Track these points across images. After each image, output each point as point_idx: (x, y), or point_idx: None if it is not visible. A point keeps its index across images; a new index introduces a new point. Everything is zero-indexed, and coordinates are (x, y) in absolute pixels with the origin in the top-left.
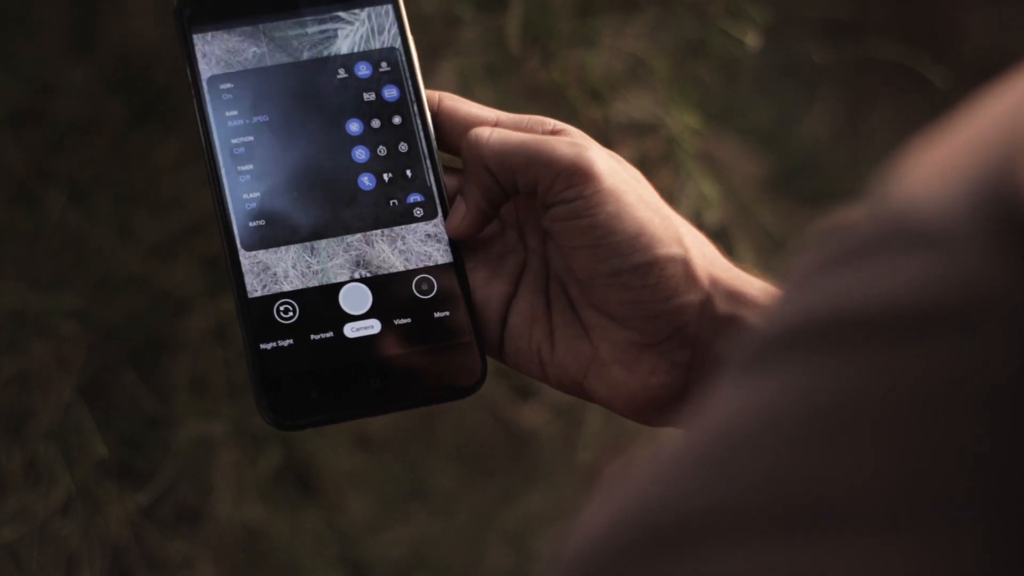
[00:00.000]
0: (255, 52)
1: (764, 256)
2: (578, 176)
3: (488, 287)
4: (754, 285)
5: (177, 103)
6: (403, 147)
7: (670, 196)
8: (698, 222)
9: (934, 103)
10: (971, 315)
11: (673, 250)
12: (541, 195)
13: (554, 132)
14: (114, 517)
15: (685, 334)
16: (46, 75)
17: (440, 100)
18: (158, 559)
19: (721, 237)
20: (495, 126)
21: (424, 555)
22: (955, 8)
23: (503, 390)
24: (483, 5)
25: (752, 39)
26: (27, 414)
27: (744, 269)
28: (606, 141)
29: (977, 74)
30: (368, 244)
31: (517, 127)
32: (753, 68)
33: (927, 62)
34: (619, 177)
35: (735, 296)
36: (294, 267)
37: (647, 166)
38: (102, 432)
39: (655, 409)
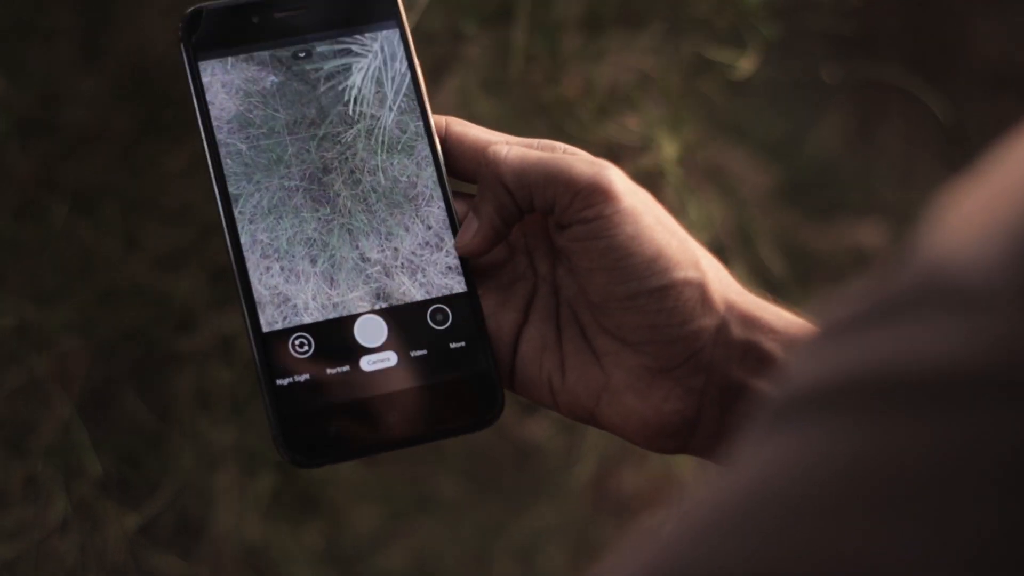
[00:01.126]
0: (270, 82)
1: (763, 272)
2: (597, 195)
3: (499, 316)
4: (769, 310)
5: (186, 113)
6: (416, 175)
7: (672, 213)
8: (698, 239)
9: (944, 116)
10: (1003, 382)
11: (691, 274)
12: (558, 214)
13: (566, 152)
14: (112, 534)
15: (700, 359)
16: (55, 84)
17: (448, 125)
18: None
19: (719, 254)
20: None
21: (429, 568)
22: (965, 18)
23: (508, 404)
24: (488, 21)
25: (748, 63)
26: (27, 429)
27: (759, 295)
28: (610, 158)
29: (987, 84)
30: (388, 275)
31: (528, 147)
32: (764, 82)
33: (935, 77)
34: (637, 198)
35: (750, 321)
36: (314, 299)
37: (646, 183)
38: (102, 448)
39: (668, 436)
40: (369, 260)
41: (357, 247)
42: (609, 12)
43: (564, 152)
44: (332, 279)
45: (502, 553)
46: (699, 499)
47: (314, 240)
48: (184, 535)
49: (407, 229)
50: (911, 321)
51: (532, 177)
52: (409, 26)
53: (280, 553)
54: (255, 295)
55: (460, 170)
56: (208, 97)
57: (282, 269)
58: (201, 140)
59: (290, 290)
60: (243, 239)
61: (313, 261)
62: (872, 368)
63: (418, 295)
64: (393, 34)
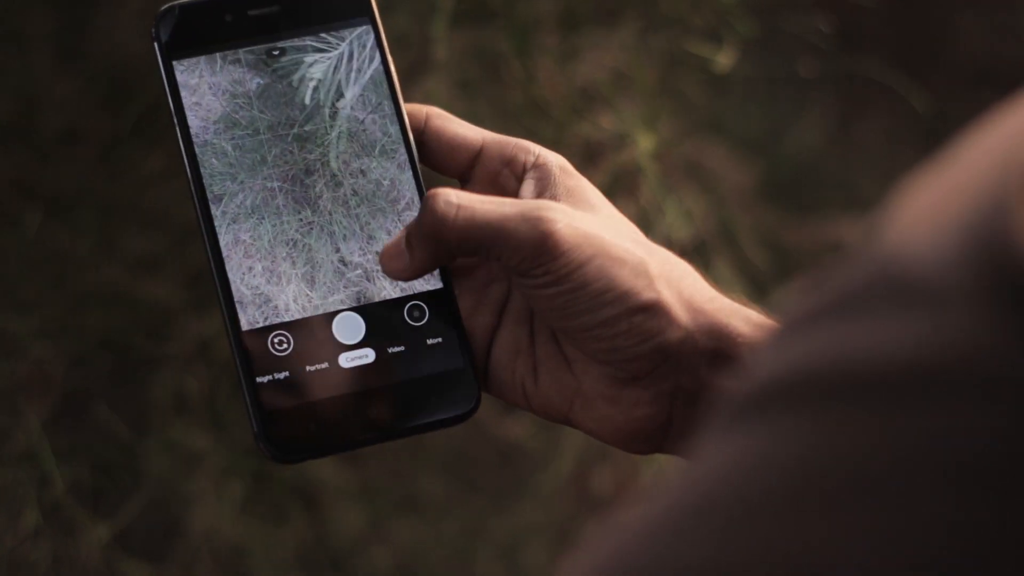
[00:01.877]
0: (256, 84)
1: (745, 269)
2: (543, 256)
3: (473, 319)
4: (738, 315)
5: (163, 117)
6: (398, 178)
7: (648, 211)
8: (668, 241)
9: (926, 112)
10: (956, 378)
11: (644, 297)
12: (506, 267)
13: (535, 165)
14: (85, 542)
15: (666, 369)
16: (30, 88)
17: (428, 118)
18: None
19: (699, 251)
20: (481, 149)
21: (413, 568)
22: (948, 13)
23: (488, 403)
24: (459, 21)
25: (725, 57)
26: (3, 436)
27: (732, 297)
28: (587, 156)
29: (969, 80)
30: (368, 280)
31: (502, 152)
32: (744, 78)
33: (917, 72)
34: (584, 238)
35: (717, 329)
36: (295, 301)
37: (624, 181)
38: (76, 454)
39: (641, 440)
40: (350, 264)
41: (338, 250)
42: (584, 10)
43: (535, 162)
44: (312, 281)
45: (485, 552)
46: (658, 497)
47: (295, 241)
48: (159, 541)
49: (389, 233)
50: (864, 316)
51: (478, 240)
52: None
53: (260, 556)
54: (235, 294)
55: (437, 165)
56: (186, 97)
57: (264, 270)
58: (177, 138)
59: (271, 291)
60: (226, 238)
61: (294, 263)
62: (825, 364)
63: (395, 292)
64: (367, 32)
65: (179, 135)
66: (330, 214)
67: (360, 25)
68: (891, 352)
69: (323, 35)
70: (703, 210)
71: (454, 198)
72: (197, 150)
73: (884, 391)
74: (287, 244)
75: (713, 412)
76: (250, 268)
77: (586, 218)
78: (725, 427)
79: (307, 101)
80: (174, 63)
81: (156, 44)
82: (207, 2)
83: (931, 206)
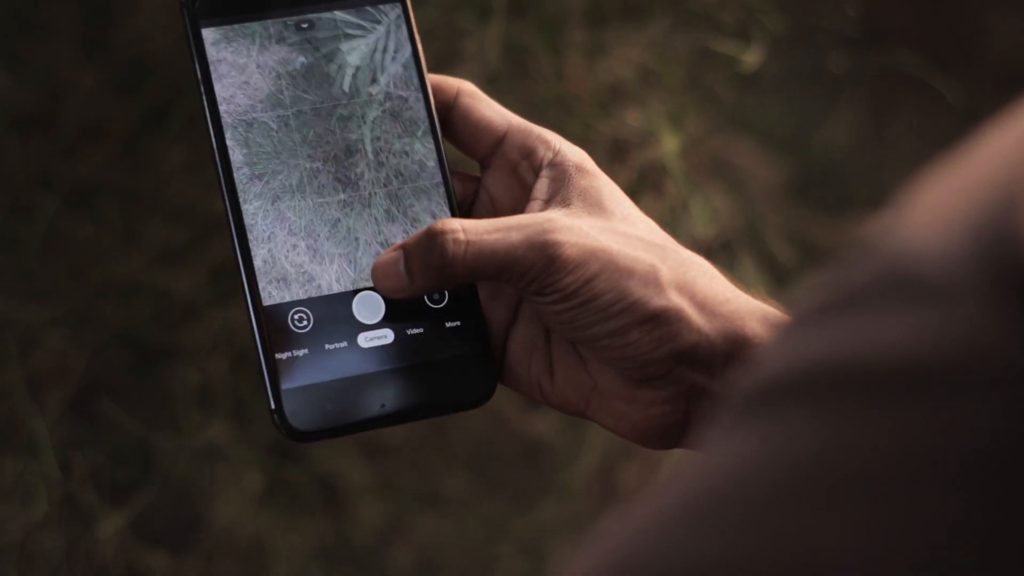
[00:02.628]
0: (299, 63)
1: (772, 267)
2: (550, 277)
3: (489, 311)
4: (755, 315)
5: (189, 107)
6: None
7: (674, 209)
8: (693, 239)
9: (959, 109)
10: (961, 375)
11: (653, 306)
12: (514, 289)
13: (552, 163)
14: (103, 532)
15: (681, 371)
16: (55, 80)
17: (458, 94)
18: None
19: (726, 249)
20: (504, 135)
21: (435, 565)
22: (980, 13)
23: (512, 398)
24: (487, 15)
25: (753, 54)
26: (19, 426)
27: (752, 294)
28: (613, 152)
29: (1002, 79)
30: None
31: (524, 142)
32: (773, 75)
33: (950, 69)
34: (590, 253)
35: (733, 332)
36: (338, 281)
37: (651, 177)
38: (97, 444)
39: (659, 437)
40: (393, 246)
41: (380, 232)
42: (611, 5)
43: (552, 159)
44: (355, 261)
45: (509, 549)
46: (664, 492)
47: (337, 220)
48: (180, 533)
49: (433, 216)
50: (872, 312)
51: (485, 272)
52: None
53: (281, 549)
54: (276, 271)
55: (460, 145)
56: (232, 74)
57: (307, 248)
58: (202, 105)
59: (315, 270)
60: (271, 215)
61: (337, 243)
62: (832, 360)
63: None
64: (397, 9)
65: (204, 103)
66: (371, 195)
67: (392, 1)
68: (898, 348)
69: (354, 9)
70: (730, 208)
71: (462, 235)
72: (237, 120)
73: (889, 387)
74: (329, 223)
75: (721, 407)
76: (294, 246)
77: (595, 228)
78: (733, 422)
79: (348, 82)
80: (203, 30)
81: (184, 10)
82: None
83: (942, 203)
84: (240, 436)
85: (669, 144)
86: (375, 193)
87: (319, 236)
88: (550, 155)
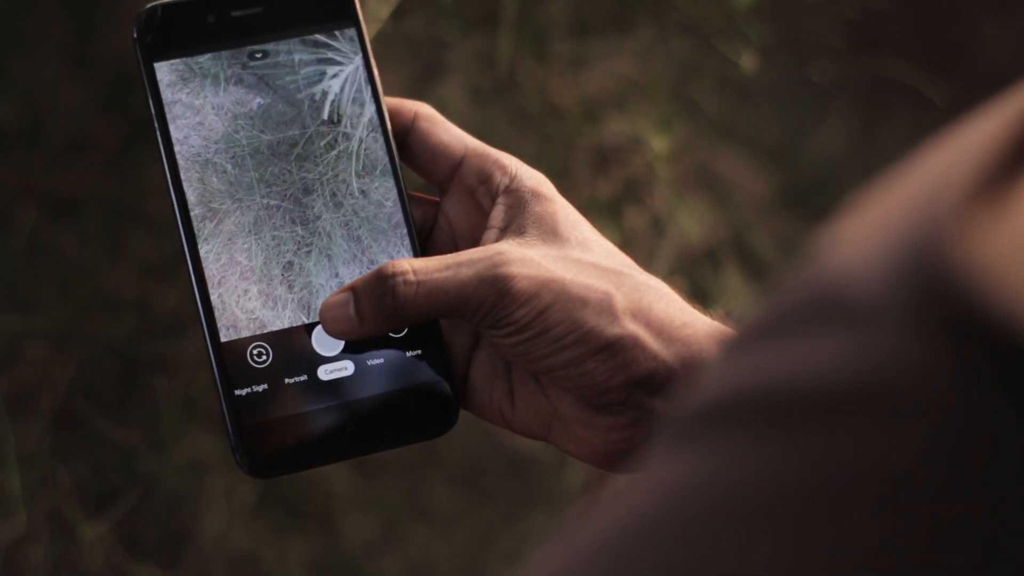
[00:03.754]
0: (256, 104)
1: (760, 277)
2: (502, 311)
3: (451, 337)
4: (712, 338)
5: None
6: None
7: (657, 219)
8: (679, 249)
9: (950, 118)
10: (880, 401)
11: (607, 335)
12: (469, 323)
13: (508, 189)
14: (88, 544)
15: (639, 396)
16: (39, 94)
17: (415, 118)
18: None
19: (712, 260)
20: (462, 160)
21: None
22: (973, 21)
23: None
24: (471, 26)
25: (748, 60)
26: (4, 438)
27: (710, 315)
28: (599, 163)
29: (994, 87)
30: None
31: (481, 167)
32: (762, 85)
33: (941, 76)
34: (542, 285)
35: (691, 357)
36: (290, 326)
37: (637, 188)
38: (81, 457)
39: (622, 461)
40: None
41: (337, 274)
42: (596, 16)
43: (508, 185)
44: (308, 307)
45: (496, 561)
46: (601, 515)
47: (292, 264)
48: (171, 546)
49: (391, 257)
50: (798, 336)
51: (437, 311)
52: (367, 27)
53: (272, 563)
54: (227, 316)
55: (418, 170)
56: (186, 114)
57: (259, 293)
58: (156, 140)
59: (267, 316)
60: (222, 258)
61: (291, 286)
62: (761, 384)
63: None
64: (354, 39)
65: (159, 137)
66: (329, 236)
67: (346, 27)
68: (821, 373)
69: (308, 38)
70: (718, 218)
71: (412, 276)
72: (191, 161)
73: (809, 412)
74: (284, 267)
75: (659, 430)
76: (246, 291)
77: (547, 258)
78: (668, 446)
79: (313, 122)
80: (155, 64)
81: (137, 45)
82: (189, 2)
83: (872, 227)
84: (226, 450)
85: (658, 147)
86: (332, 234)
87: (272, 280)
88: (506, 181)
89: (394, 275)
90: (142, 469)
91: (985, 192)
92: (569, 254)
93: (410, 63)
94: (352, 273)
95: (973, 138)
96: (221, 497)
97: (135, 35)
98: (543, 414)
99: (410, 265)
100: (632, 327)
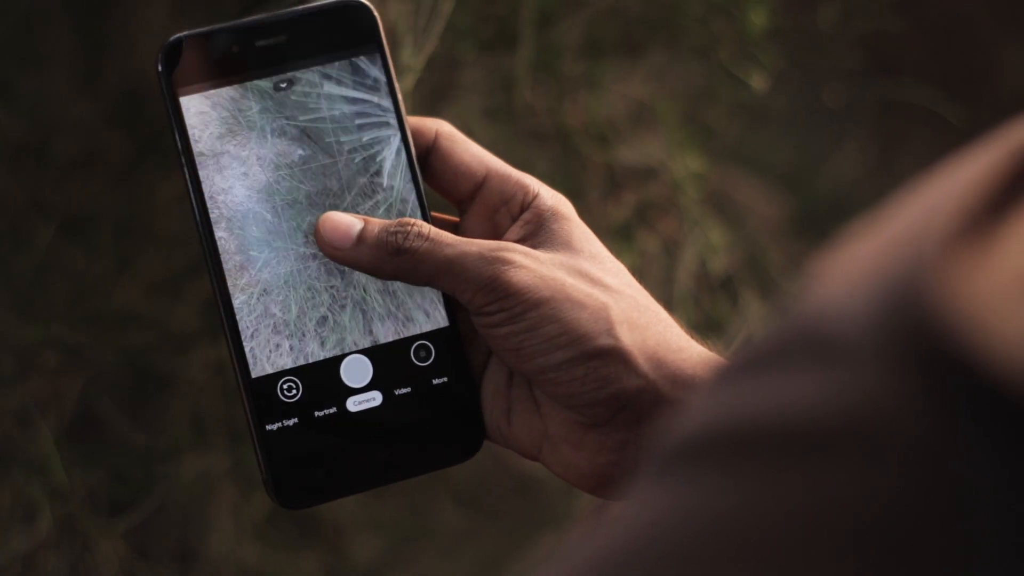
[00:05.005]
0: (298, 156)
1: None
2: (493, 292)
3: (468, 356)
4: (707, 367)
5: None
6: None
7: (675, 243)
8: (694, 275)
9: (967, 142)
10: (856, 440)
11: (600, 342)
12: (464, 304)
13: (530, 208)
14: (103, 556)
15: (627, 417)
16: (49, 110)
17: (437, 138)
18: None
19: (727, 285)
20: (483, 180)
21: None
22: (991, 45)
23: None
24: (486, 47)
25: (758, 81)
26: (17, 450)
27: (707, 346)
28: (612, 186)
29: (1012, 111)
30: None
31: (503, 188)
32: (777, 109)
33: (959, 100)
34: (541, 280)
35: (683, 382)
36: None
37: (652, 212)
38: (95, 469)
39: (606, 486)
40: (382, 347)
41: (371, 332)
42: (609, 39)
43: (528, 202)
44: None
45: None
46: (580, 547)
47: (326, 319)
48: (177, 563)
49: (427, 315)
50: (780, 372)
51: (431, 271)
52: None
53: None
54: (250, 359)
55: (439, 189)
56: (234, 166)
57: (291, 349)
58: (184, 178)
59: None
60: (256, 310)
61: (323, 343)
62: (742, 420)
63: (401, 332)
64: (380, 69)
65: (186, 174)
66: (364, 290)
67: (370, 53)
68: (798, 410)
69: (333, 64)
70: (732, 243)
71: (427, 231)
72: (233, 210)
73: (787, 450)
74: (318, 321)
75: (642, 461)
76: (277, 346)
77: (554, 261)
78: (651, 479)
79: (351, 174)
80: (181, 99)
81: (162, 80)
82: (213, 32)
83: (858, 263)
84: (237, 466)
85: (691, 166)
86: (367, 288)
87: (305, 335)
88: (529, 200)
89: (413, 225)
90: (151, 485)
91: (969, 233)
92: (578, 265)
93: (426, 82)
94: (387, 329)
95: (960, 178)
96: (230, 513)
97: (159, 68)
98: (535, 433)
99: (429, 228)
100: (627, 341)
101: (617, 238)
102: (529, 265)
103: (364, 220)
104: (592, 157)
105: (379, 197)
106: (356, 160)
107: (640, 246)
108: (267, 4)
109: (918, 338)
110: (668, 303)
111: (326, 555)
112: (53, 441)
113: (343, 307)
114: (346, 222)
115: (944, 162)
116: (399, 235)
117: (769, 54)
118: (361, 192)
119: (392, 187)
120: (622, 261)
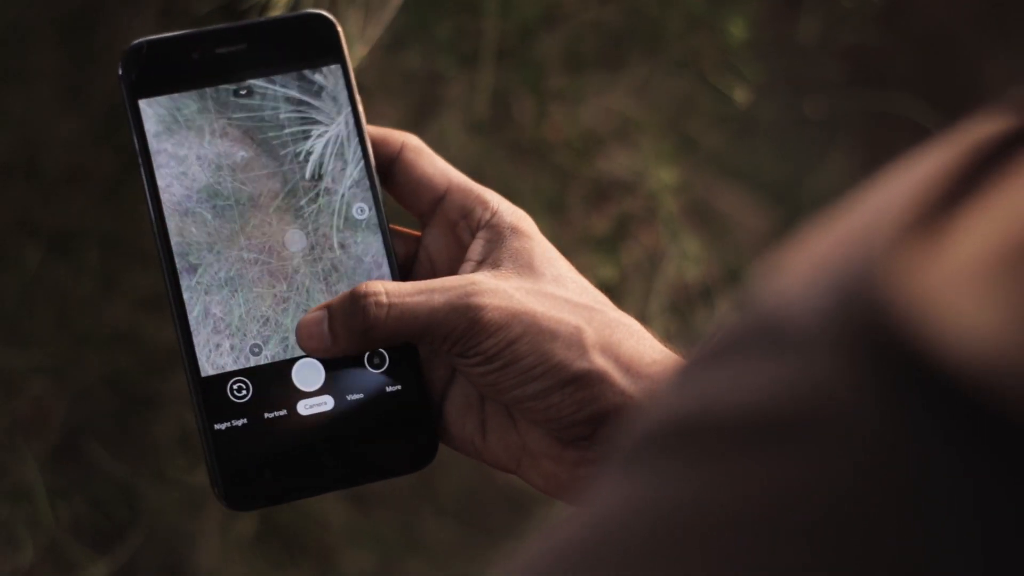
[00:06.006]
0: (240, 157)
1: None
2: (472, 339)
3: (429, 370)
4: None
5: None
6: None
7: (657, 254)
8: (675, 286)
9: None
10: (810, 429)
11: (575, 368)
12: (438, 351)
13: (488, 224)
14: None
15: (607, 430)
16: (34, 126)
17: (402, 149)
18: None
19: (705, 297)
20: (445, 194)
21: None
22: (977, 57)
23: None
24: (467, 62)
25: (740, 94)
26: (2, 472)
27: (683, 355)
28: (595, 198)
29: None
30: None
31: (464, 201)
32: (766, 120)
33: (944, 112)
34: (513, 316)
35: None
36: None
37: (634, 224)
38: (77, 492)
39: None
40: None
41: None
42: (589, 53)
43: (488, 220)
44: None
45: None
46: (541, 542)
47: (268, 319)
48: None
49: None
50: (736, 363)
51: (407, 335)
52: (352, 64)
53: None
54: (199, 357)
55: (401, 201)
56: (171, 164)
57: (232, 348)
58: (141, 180)
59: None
60: (197, 310)
61: (265, 342)
62: (695, 410)
63: None
64: (340, 80)
65: (143, 175)
66: (307, 291)
67: (331, 64)
68: (752, 400)
69: (294, 74)
70: (718, 254)
71: (384, 298)
72: (171, 210)
73: (741, 439)
74: (259, 321)
75: (608, 455)
76: (217, 345)
77: (520, 290)
78: (611, 472)
79: (288, 175)
80: (140, 101)
81: (122, 83)
82: (174, 39)
83: (812, 258)
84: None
85: (665, 178)
86: (311, 289)
87: (246, 335)
88: (487, 216)
89: (366, 295)
90: (139, 504)
91: (921, 225)
92: (543, 288)
93: (407, 97)
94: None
95: (914, 173)
96: (217, 531)
97: (120, 72)
98: (513, 448)
99: (383, 287)
100: (600, 362)
101: (599, 250)
102: (499, 304)
103: (327, 308)
104: (574, 170)
105: (322, 200)
106: (301, 167)
107: (622, 258)
108: (250, 18)
109: (869, 327)
110: (646, 314)
111: (315, 571)
112: (39, 465)
113: (285, 309)
114: (316, 324)
115: (900, 160)
116: (356, 317)
117: (751, 66)
118: (306, 196)
119: (338, 192)
120: (603, 273)
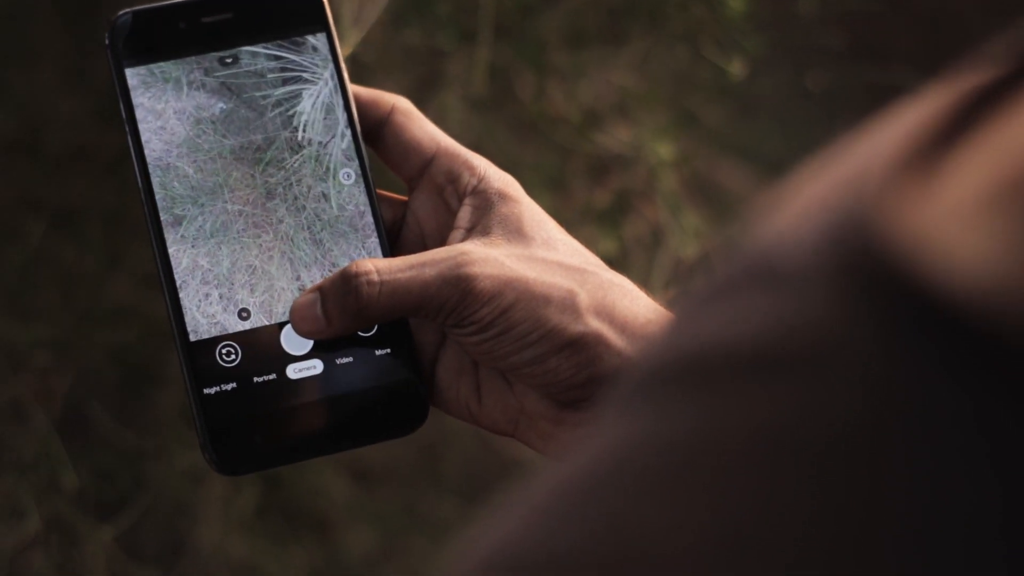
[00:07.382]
0: (219, 109)
1: None
2: (465, 310)
3: (418, 334)
4: None
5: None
6: (364, 204)
7: (658, 229)
8: (676, 260)
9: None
10: (807, 361)
11: (570, 332)
12: (433, 323)
13: (476, 190)
14: (91, 551)
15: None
16: (38, 105)
17: (392, 111)
18: None
19: (707, 271)
20: (432, 158)
21: None
22: (980, 32)
23: None
24: (468, 37)
25: (738, 67)
26: (5, 446)
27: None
28: (596, 173)
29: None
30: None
31: (451, 166)
32: (767, 95)
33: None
34: (505, 284)
35: None
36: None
37: (635, 199)
38: (82, 464)
39: None
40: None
41: (298, 278)
42: (590, 28)
43: (476, 186)
44: (271, 311)
45: None
46: (541, 483)
47: (255, 268)
48: (168, 555)
49: (352, 260)
50: (735, 300)
51: (400, 311)
52: (339, 37)
53: (270, 573)
54: (187, 318)
55: (389, 164)
56: (149, 119)
57: (220, 297)
58: (128, 146)
59: (228, 320)
60: (185, 262)
61: (252, 290)
62: (694, 347)
63: None
64: (324, 45)
65: (131, 143)
66: (292, 240)
67: (316, 32)
68: (750, 334)
69: (278, 42)
70: (719, 229)
71: (375, 276)
72: (152, 166)
73: (740, 372)
74: (246, 270)
75: (607, 394)
76: (207, 295)
77: (511, 257)
78: (612, 410)
79: (277, 127)
80: (127, 70)
81: (109, 52)
82: (160, 9)
83: (807, 198)
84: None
85: (662, 154)
86: (295, 238)
87: (234, 284)
88: (474, 181)
89: (358, 275)
90: (142, 478)
91: (914, 165)
92: (533, 253)
93: (408, 73)
94: (313, 276)
95: (907, 118)
96: (218, 506)
97: (107, 41)
98: (510, 410)
99: (374, 265)
100: (596, 324)
101: (600, 224)
102: (491, 272)
103: (319, 290)
104: (574, 145)
105: (305, 151)
106: (282, 119)
107: (624, 232)
108: None
109: (863, 261)
110: (649, 288)
111: (316, 548)
112: (43, 439)
113: (271, 257)
114: (310, 306)
115: (893, 108)
116: (349, 297)
117: (751, 40)
118: (287, 147)
119: (320, 142)
120: (604, 247)
